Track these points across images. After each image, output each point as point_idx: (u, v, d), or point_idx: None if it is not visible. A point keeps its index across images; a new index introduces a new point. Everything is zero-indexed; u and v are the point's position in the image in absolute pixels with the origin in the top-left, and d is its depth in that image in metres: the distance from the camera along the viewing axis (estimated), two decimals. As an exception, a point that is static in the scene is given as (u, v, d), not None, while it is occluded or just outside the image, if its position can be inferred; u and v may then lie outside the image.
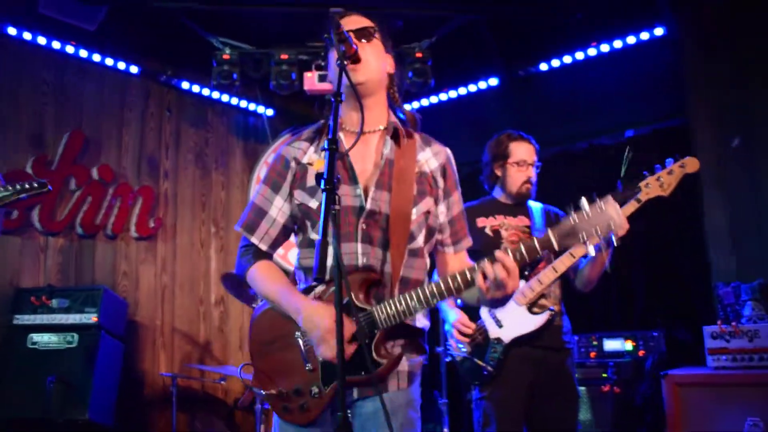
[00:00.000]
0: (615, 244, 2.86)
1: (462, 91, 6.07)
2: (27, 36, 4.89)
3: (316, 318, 1.87)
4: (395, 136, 2.04)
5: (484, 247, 3.25)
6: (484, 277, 1.83)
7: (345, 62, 1.89)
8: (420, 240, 2.01)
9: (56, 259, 4.83)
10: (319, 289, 2.01)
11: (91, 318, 4.22)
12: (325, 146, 1.76)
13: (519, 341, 3.09)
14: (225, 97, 5.97)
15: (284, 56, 5.18)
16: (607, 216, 1.79)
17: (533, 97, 5.60)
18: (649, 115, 5.03)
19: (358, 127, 1.99)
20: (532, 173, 3.30)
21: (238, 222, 2.15)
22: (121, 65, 5.36)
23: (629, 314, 4.83)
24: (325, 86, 5.16)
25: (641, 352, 4.34)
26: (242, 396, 4.44)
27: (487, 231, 3.27)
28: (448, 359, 3.21)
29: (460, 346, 3.13)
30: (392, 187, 1.95)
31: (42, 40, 4.94)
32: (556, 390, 3.13)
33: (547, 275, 3.10)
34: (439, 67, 5.45)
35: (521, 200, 3.32)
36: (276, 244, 2.13)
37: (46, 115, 4.95)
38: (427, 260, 2.09)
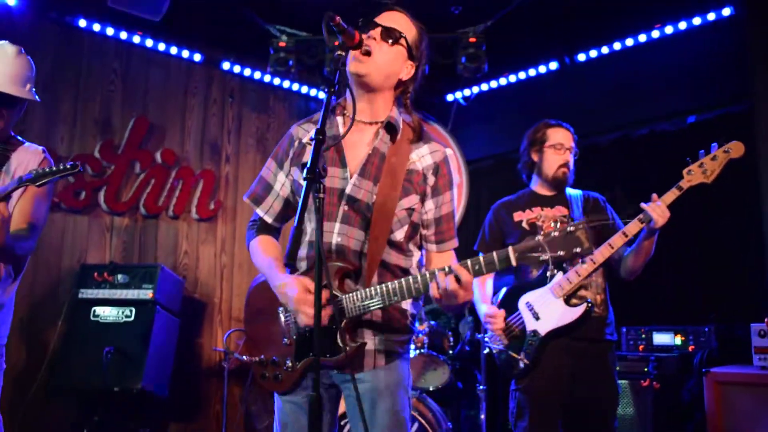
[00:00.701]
0: (656, 228, 2.83)
1: (521, 75, 5.96)
2: (96, 27, 5.16)
3: (287, 289, 1.97)
4: (391, 131, 2.08)
5: (521, 242, 3.20)
6: (438, 285, 1.84)
7: (352, 52, 1.99)
8: (400, 234, 2.06)
9: (121, 238, 5.11)
10: (303, 266, 2.10)
11: (148, 294, 4.44)
12: (312, 136, 1.81)
13: (556, 333, 3.04)
14: (286, 83, 6.10)
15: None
16: (575, 240, 1.76)
17: (593, 82, 5.44)
18: (712, 100, 4.79)
19: (357, 116, 2.07)
20: (569, 158, 3.25)
21: (246, 193, 2.27)
22: (185, 53, 5.57)
23: (682, 307, 4.64)
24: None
25: (691, 348, 4.18)
26: (229, 359, 4.57)
27: (524, 225, 3.24)
28: (486, 350, 3.20)
29: (496, 338, 3.12)
30: (380, 179, 2.01)
31: (110, 31, 5.20)
32: (594, 382, 3.08)
33: (585, 267, 3.04)
34: (495, 52, 5.37)
35: (558, 186, 3.26)
36: (281, 217, 2.24)
37: (113, 102, 5.21)
38: (413, 252, 2.13)
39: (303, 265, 2.10)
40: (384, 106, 2.10)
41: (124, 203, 5.13)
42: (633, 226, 2.98)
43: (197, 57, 5.63)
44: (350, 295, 1.97)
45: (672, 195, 2.92)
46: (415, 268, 2.13)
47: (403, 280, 1.92)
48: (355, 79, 2.04)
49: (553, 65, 5.73)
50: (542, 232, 1.81)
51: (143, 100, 5.38)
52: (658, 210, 2.88)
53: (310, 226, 2.08)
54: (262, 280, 2.18)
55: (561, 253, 1.77)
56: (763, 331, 3.39)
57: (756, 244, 4.27)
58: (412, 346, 4.23)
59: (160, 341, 4.46)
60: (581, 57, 5.54)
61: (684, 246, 4.73)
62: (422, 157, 2.09)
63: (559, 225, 3.04)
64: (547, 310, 3.06)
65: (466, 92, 6.31)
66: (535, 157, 3.31)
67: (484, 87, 6.20)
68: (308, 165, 1.77)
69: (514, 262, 1.80)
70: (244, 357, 2.16)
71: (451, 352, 4.34)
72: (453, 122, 6.29)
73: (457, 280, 1.82)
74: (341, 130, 2.09)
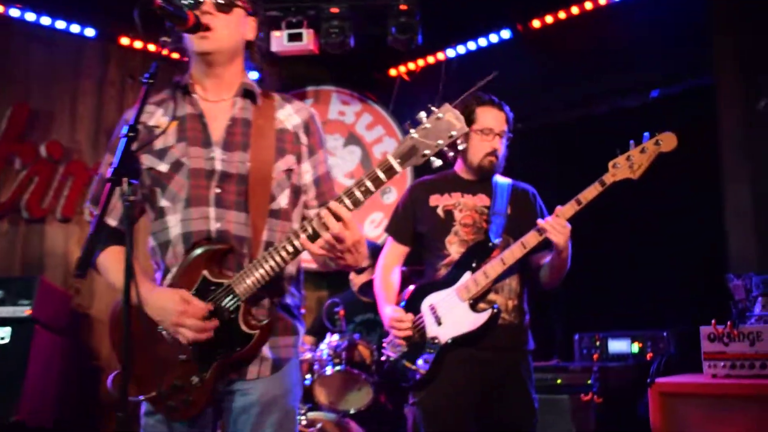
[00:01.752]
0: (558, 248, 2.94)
1: (470, 46, 6.03)
2: (-37, -1, 5.17)
3: (164, 304, 2.05)
4: (250, 97, 2.22)
5: (432, 231, 3.30)
6: (314, 230, 1.96)
7: (189, 32, 2.11)
8: (283, 200, 2.17)
9: (-1, 246, 5.14)
10: (174, 270, 2.16)
11: (25, 311, 4.48)
12: (124, 132, 1.88)
13: (459, 342, 3.12)
14: (198, 61, 6.13)
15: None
16: (446, 123, 1.89)
17: (549, 53, 5.53)
18: (679, 71, 4.92)
19: (207, 93, 2.20)
20: (498, 145, 3.28)
21: (87, 199, 2.33)
22: (75, 28, 5.58)
23: (640, 310, 4.76)
24: (295, 47, 5.25)
25: (649, 355, 4.29)
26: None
27: (439, 211, 3.30)
28: (383, 358, 3.29)
29: (395, 344, 3.20)
30: (250, 145, 2.14)
31: (-20, 4, 5.21)
32: (505, 398, 3.16)
33: (494, 267, 3.12)
34: (440, 19, 5.44)
35: (484, 175, 3.33)
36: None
37: (-15, 87, 5.23)
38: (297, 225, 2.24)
39: (173, 270, 2.16)
40: (236, 74, 2.24)
41: (1, 205, 5.15)
42: (531, 238, 3.08)
43: (90, 32, 5.65)
44: (239, 274, 2.06)
45: (594, 191, 3.03)
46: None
47: (285, 238, 2.03)
48: (201, 58, 2.17)
49: (506, 34, 5.81)
50: (415, 128, 1.91)
51: (24, 83, 5.39)
52: (557, 227, 2.99)
53: (173, 218, 2.15)
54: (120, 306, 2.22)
55: (440, 141, 1.88)
56: (713, 335, 3.49)
57: (717, 239, 4.38)
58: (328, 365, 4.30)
59: (41, 365, 4.50)
60: (536, 24, 5.62)
61: (640, 243, 4.84)
62: (289, 116, 2.25)
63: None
64: (451, 314, 3.13)
65: (411, 66, 6.38)
66: (460, 139, 3.36)
67: (431, 60, 6.27)
68: (115, 164, 1.83)
69: (399, 168, 1.90)
70: (141, 397, 2.17)
71: (374, 367, 4.42)
72: (395, 102, 6.36)
73: (336, 218, 1.92)
74: (202, 107, 2.20)
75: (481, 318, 3.10)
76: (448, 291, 3.16)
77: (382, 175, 1.93)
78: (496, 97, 3.38)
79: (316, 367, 4.43)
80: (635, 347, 4.37)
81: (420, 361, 3.12)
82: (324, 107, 6.20)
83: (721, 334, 3.45)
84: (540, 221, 3.04)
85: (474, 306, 3.12)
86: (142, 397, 2.13)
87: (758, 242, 4.12)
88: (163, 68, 2.02)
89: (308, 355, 4.41)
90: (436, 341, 3.12)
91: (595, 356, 4.45)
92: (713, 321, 3.46)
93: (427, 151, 1.90)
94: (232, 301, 2.06)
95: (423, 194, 3.37)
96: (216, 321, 2.04)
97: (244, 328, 2.07)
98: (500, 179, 3.39)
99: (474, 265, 3.15)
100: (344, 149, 6.35)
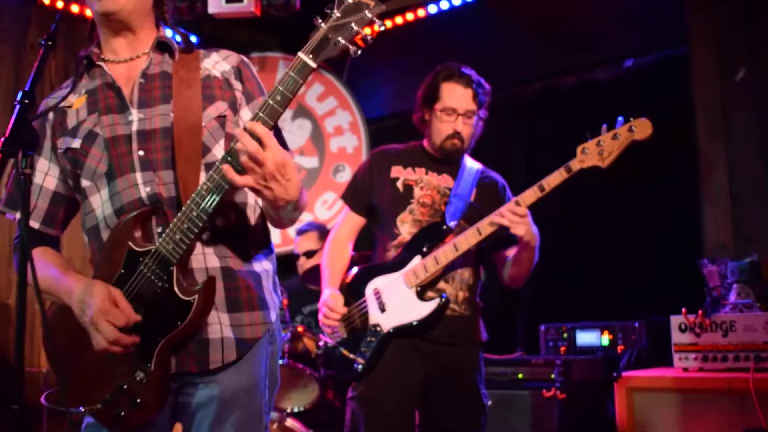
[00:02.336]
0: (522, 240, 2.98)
1: (431, 9, 6.01)
2: None
3: (86, 298, 1.98)
4: (167, 50, 2.19)
5: (387, 205, 3.31)
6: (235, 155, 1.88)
7: None
8: (218, 152, 2.11)
9: None
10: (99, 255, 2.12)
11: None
12: (18, 99, 1.85)
13: (403, 331, 3.14)
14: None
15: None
16: (356, 6, 1.85)
17: (514, 20, 5.54)
18: (654, 40, 4.98)
19: (119, 56, 2.17)
20: (461, 126, 3.26)
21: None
22: (-12, -15, 5.46)
23: (610, 300, 4.83)
24: (235, 9, 5.19)
25: (620, 348, 4.34)
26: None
27: (399, 184, 3.31)
28: (321, 344, 3.31)
29: (335, 329, 3.21)
30: (172, 96, 2.10)
31: None
32: (451, 393, 3.19)
33: (446, 253, 3.13)
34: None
35: (448, 157, 3.33)
36: (52, 218, 2.23)
37: None
38: None
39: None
40: (147, 34, 2.21)
41: None
42: (487, 225, 3.09)
43: (6, -10, 5.53)
44: (165, 234, 1.98)
45: (558, 177, 3.04)
46: (255, 203, 2.18)
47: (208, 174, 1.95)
48: (105, 20, 2.13)
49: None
50: (324, 20, 1.86)
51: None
52: (515, 217, 3.02)
53: (96, 198, 2.11)
54: (53, 312, 2.15)
55: (353, 26, 1.84)
56: (683, 325, 3.54)
57: (693, 222, 4.45)
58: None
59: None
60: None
61: (611, 227, 4.90)
62: (216, 63, 2.21)
63: (437, 198, 3.18)
64: (396, 301, 3.14)
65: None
66: (426, 116, 3.37)
67: (388, 24, 6.24)
68: (6, 135, 1.80)
69: (313, 63, 1.86)
70: (81, 408, 2.09)
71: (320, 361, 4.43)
72: (350, 70, 6.33)
73: (252, 132, 1.83)
74: (112, 73, 2.16)
75: (428, 307, 3.11)
76: (395, 275, 3.17)
77: (296, 76, 1.86)
78: (467, 70, 3.35)
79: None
80: (605, 339, 4.42)
81: (359, 350, 3.13)
82: (270, 76, 6.14)
83: (693, 324, 3.51)
84: (495, 214, 3.05)
85: (421, 294, 3.14)
86: (83, 409, 2.04)
87: (734, 225, 4.20)
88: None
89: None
90: (378, 329, 3.13)
91: (562, 349, 4.49)
92: (683, 310, 3.51)
93: (340, 39, 1.85)
94: (163, 268, 1.98)
95: (385, 163, 3.37)
96: (135, 337, 1.97)
97: (181, 295, 1.97)
98: (470, 162, 3.40)
99: (425, 249, 3.16)
100: (292, 123, 6.31)
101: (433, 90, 3.31)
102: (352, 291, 3.26)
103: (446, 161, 3.34)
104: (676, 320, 3.56)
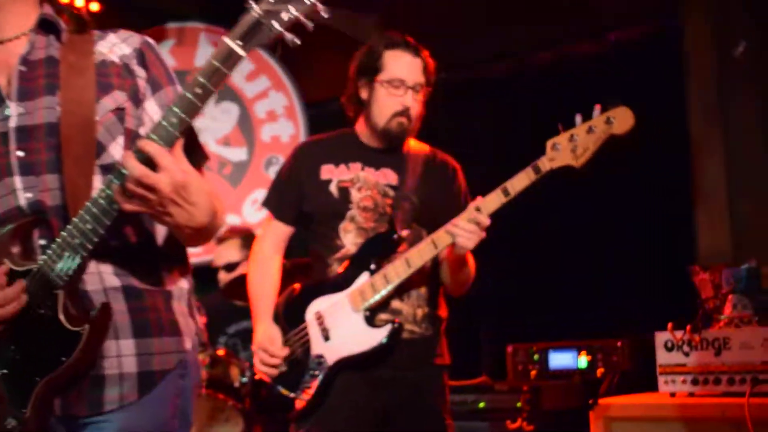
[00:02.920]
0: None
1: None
2: None
3: None
4: (52, 30, 2.13)
5: (322, 214, 3.29)
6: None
7: None
8: (116, 151, 2.05)
9: None
10: None
11: None
12: None
13: (350, 364, 3.13)
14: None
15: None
16: None
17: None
18: (641, 10, 5.04)
19: None
20: (412, 101, 3.25)
21: None
22: None
23: (589, 317, 4.90)
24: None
25: (600, 371, 4.39)
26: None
27: (332, 188, 3.27)
28: (244, 380, 3.31)
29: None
30: (60, 87, 2.03)
31: None
32: (410, 427, 3.20)
33: (397, 270, 3.12)
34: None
35: (392, 142, 3.32)
36: None
37: None
38: None
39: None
40: (25, 10, 2.15)
41: None
42: (444, 237, 3.11)
43: None
44: (49, 254, 1.91)
45: (525, 179, 3.09)
46: None
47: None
48: None
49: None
50: (258, 2, 1.81)
51: None
52: (472, 228, 3.05)
53: None
54: None
55: (291, 9, 1.80)
56: (670, 342, 3.60)
57: (684, 223, 4.53)
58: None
59: None
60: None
61: (589, 232, 5.00)
62: (113, 46, 2.15)
63: (379, 199, 3.19)
64: (341, 327, 3.13)
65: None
66: (363, 93, 3.32)
67: (333, -9, 6.26)
68: None
69: (242, 51, 1.80)
70: None
71: (244, 391, 4.42)
72: (285, 45, 6.33)
73: (140, 152, 1.78)
74: None
75: (377, 336, 3.11)
76: (339, 296, 3.16)
77: (221, 67, 1.82)
78: (412, 40, 3.35)
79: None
80: (583, 361, 4.48)
81: (301, 386, 3.12)
82: (189, 51, 6.14)
83: (681, 342, 3.56)
84: (451, 224, 3.08)
85: (371, 318, 3.13)
86: None
87: (732, 227, 4.27)
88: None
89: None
90: (322, 361, 3.12)
91: (533, 373, 4.55)
92: (669, 325, 3.57)
93: (275, 25, 1.81)
94: (46, 292, 1.90)
95: (312, 161, 3.34)
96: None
97: (67, 325, 1.89)
98: (414, 147, 3.39)
99: (372, 265, 3.15)
100: (217, 107, 6.31)
101: (373, 60, 3.29)
102: (290, 315, 3.24)
103: (387, 149, 3.32)
104: (661, 337, 3.60)
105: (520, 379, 4.55)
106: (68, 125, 1.99)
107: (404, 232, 3.20)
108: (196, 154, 2.06)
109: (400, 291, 3.19)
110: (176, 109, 1.81)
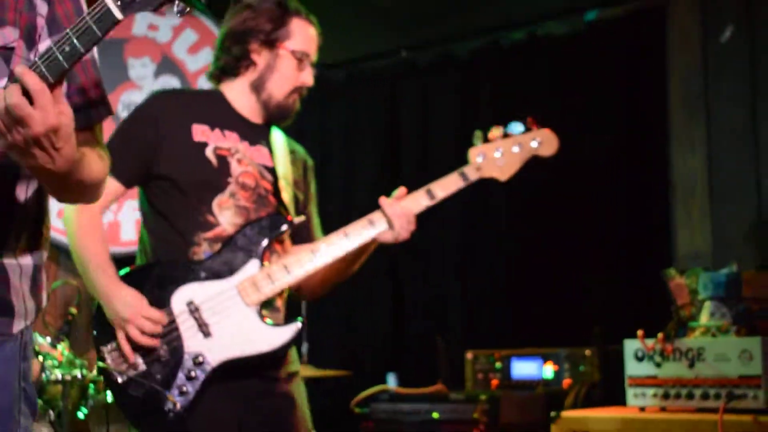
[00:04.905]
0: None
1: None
2: None
3: None
4: None
5: (196, 181, 3.06)
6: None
7: None
8: None
9: None
10: None
11: None
12: None
13: (239, 365, 2.97)
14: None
15: None
16: None
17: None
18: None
19: None
20: (311, 80, 3.18)
21: None
22: None
23: (557, 323, 4.91)
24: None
25: (566, 382, 4.41)
26: None
27: (209, 153, 3.07)
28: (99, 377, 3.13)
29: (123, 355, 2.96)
30: None
31: None
32: None
33: (300, 261, 3.03)
34: None
35: (278, 119, 3.21)
36: None
37: None
38: None
39: None
40: None
41: None
42: (360, 229, 3.07)
43: None
44: None
45: (453, 183, 3.12)
46: (22, 171, 2.04)
47: None
48: None
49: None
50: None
51: None
52: (403, 218, 3.04)
53: None
54: None
55: None
56: (640, 352, 3.62)
57: (660, 224, 4.56)
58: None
59: None
60: None
61: (558, 231, 5.02)
62: None
63: (259, 180, 3.09)
64: (228, 323, 2.96)
65: None
66: (258, 59, 3.16)
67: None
68: None
69: (119, 14, 1.71)
70: None
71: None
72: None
73: (24, 92, 1.72)
74: None
75: (282, 335, 2.98)
76: (220, 285, 2.98)
77: (94, 27, 1.75)
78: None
79: (91, 391, 4.38)
80: (548, 370, 4.51)
81: (175, 390, 2.91)
82: (126, 18, 6.08)
83: (652, 352, 3.59)
84: (384, 201, 3.05)
85: (261, 315, 3.00)
86: None
87: (713, 228, 4.30)
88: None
89: (79, 374, 4.37)
90: (202, 361, 2.94)
91: (494, 382, 4.56)
92: (640, 333, 3.59)
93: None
94: None
95: (180, 116, 3.11)
96: None
97: None
98: (277, 130, 3.28)
99: (262, 252, 3.02)
100: (156, 80, 6.25)
101: (279, 23, 3.15)
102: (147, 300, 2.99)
103: (262, 126, 3.20)
104: (630, 346, 3.64)
105: (479, 388, 4.55)
106: None
107: (297, 219, 3.12)
108: (97, 106, 2.06)
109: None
110: (44, 63, 1.76)
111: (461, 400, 4.08)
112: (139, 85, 6.22)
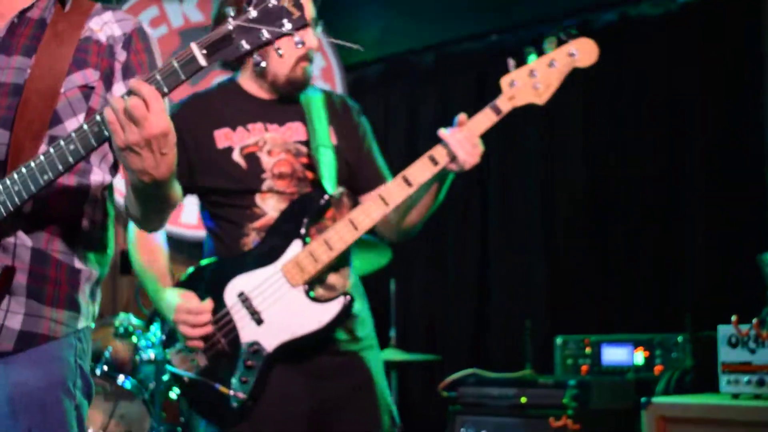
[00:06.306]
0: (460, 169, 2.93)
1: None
2: None
3: None
4: None
5: (233, 188, 3.10)
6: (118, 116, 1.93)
7: None
8: (72, 126, 2.18)
9: None
10: None
11: None
12: None
13: (295, 347, 2.97)
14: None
15: None
16: (279, 11, 1.91)
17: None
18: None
19: None
20: (314, 41, 3.05)
21: None
22: None
23: (647, 308, 4.86)
24: None
25: (658, 368, 4.35)
26: None
27: (236, 158, 3.07)
28: (166, 377, 3.18)
29: (188, 354, 3.02)
30: (37, 51, 2.21)
31: None
32: (347, 419, 3.08)
33: (341, 235, 2.98)
34: None
35: (296, 92, 3.12)
36: None
37: None
38: (93, 167, 2.26)
39: None
40: None
41: None
42: (420, 169, 2.96)
43: None
44: None
45: (486, 120, 2.98)
46: (98, 190, 2.27)
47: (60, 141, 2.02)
48: None
49: None
50: (236, 16, 1.91)
51: None
52: (466, 144, 2.92)
53: None
54: None
55: (265, 32, 1.92)
56: (734, 337, 3.54)
57: (756, 205, 4.51)
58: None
59: None
60: None
61: (648, 215, 4.96)
62: (106, 24, 2.31)
63: (294, 162, 3.05)
64: (278, 307, 2.96)
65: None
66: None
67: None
68: None
69: (204, 61, 1.92)
70: None
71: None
72: (321, 7, 6.30)
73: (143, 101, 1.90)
74: None
75: (328, 311, 2.96)
76: (266, 271, 2.99)
77: (179, 70, 1.94)
78: None
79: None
80: (639, 357, 4.44)
81: (234, 383, 2.94)
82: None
83: (746, 337, 3.51)
84: (443, 132, 2.94)
85: (310, 293, 2.99)
86: None
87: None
88: None
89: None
90: (258, 349, 2.96)
91: (584, 368, 4.52)
92: (734, 319, 3.51)
93: (244, 44, 1.93)
94: None
95: (200, 126, 3.12)
96: None
97: None
98: (309, 94, 3.20)
99: (303, 231, 3.00)
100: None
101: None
102: (202, 299, 3.04)
103: (284, 100, 3.13)
104: (724, 332, 3.56)
105: (569, 373, 4.51)
106: (31, 90, 2.16)
107: (336, 192, 3.09)
108: None
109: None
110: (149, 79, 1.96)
111: (550, 385, 4.04)
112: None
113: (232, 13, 1.94)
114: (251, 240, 3.06)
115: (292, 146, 3.09)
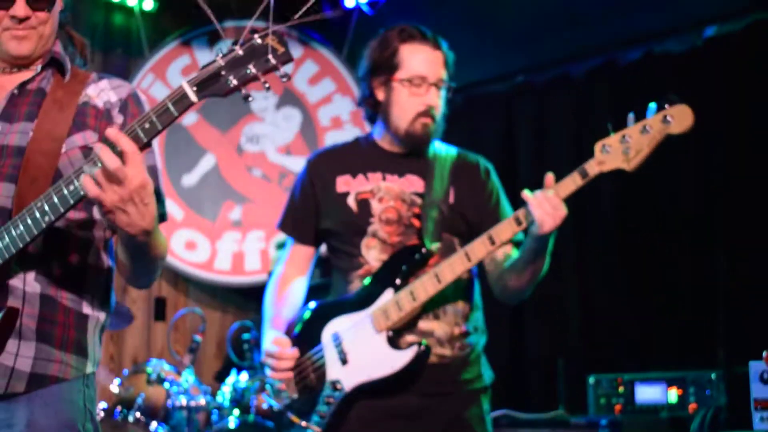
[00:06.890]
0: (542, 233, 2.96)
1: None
2: None
3: None
4: (59, 68, 2.51)
5: (342, 230, 3.29)
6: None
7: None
8: None
9: None
10: None
11: None
12: None
13: (369, 390, 3.10)
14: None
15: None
16: (263, 49, 2.04)
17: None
18: (742, 3, 4.96)
19: (10, 68, 2.48)
20: (436, 100, 3.22)
21: None
22: None
23: (682, 344, 4.82)
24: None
25: (692, 406, 4.31)
26: None
27: (350, 201, 3.26)
28: (266, 406, 3.33)
29: (278, 388, 3.18)
30: (38, 116, 2.38)
31: None
32: None
33: (425, 286, 3.08)
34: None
35: (416, 146, 3.30)
36: None
37: None
38: (95, 220, 2.38)
39: None
40: (47, 47, 2.50)
41: None
42: (504, 229, 3.04)
43: None
44: None
45: (571, 184, 2.99)
46: (101, 242, 2.43)
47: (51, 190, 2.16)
48: (13, 59, 2.44)
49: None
50: (225, 54, 2.03)
51: None
52: (546, 204, 2.94)
53: None
54: None
55: (250, 69, 2.04)
56: (766, 374, 3.52)
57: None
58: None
59: None
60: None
61: (680, 247, 4.93)
62: (101, 92, 2.49)
63: (404, 211, 3.17)
64: (361, 350, 3.10)
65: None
66: (379, 95, 3.29)
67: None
68: None
69: (195, 98, 2.05)
70: None
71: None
72: (352, 44, 6.35)
73: (119, 154, 2.02)
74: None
75: (402, 359, 3.07)
76: (359, 315, 3.14)
77: (172, 108, 2.06)
78: (429, 31, 3.29)
79: (214, 417, 4.46)
80: (673, 395, 4.41)
81: (314, 414, 3.10)
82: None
83: (775, 371, 3.49)
84: (526, 193, 2.98)
85: (394, 340, 3.10)
86: None
87: None
88: None
89: (203, 400, 4.44)
90: (338, 387, 3.10)
91: (617, 407, 4.49)
92: (765, 354, 3.48)
93: (232, 79, 2.05)
94: None
95: (326, 174, 3.33)
96: None
97: None
98: (440, 150, 3.36)
99: (398, 281, 3.12)
100: (277, 112, 6.37)
101: (388, 56, 3.23)
102: (305, 336, 3.22)
103: (411, 154, 3.29)
104: (756, 368, 3.54)
105: (603, 413, 4.48)
106: (34, 150, 2.32)
107: (434, 246, 3.17)
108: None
109: (433, 308, 3.16)
110: (143, 122, 2.09)
111: (582, 425, 4.02)
112: (260, 117, 6.38)
113: (220, 56, 2.06)
114: (355, 287, 3.24)
115: (408, 196, 3.25)
